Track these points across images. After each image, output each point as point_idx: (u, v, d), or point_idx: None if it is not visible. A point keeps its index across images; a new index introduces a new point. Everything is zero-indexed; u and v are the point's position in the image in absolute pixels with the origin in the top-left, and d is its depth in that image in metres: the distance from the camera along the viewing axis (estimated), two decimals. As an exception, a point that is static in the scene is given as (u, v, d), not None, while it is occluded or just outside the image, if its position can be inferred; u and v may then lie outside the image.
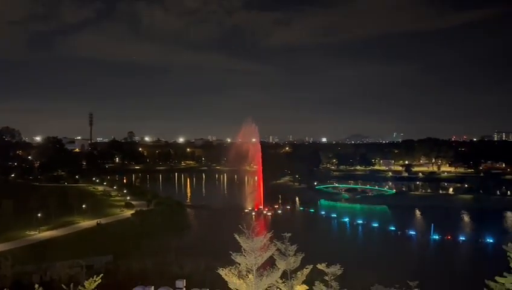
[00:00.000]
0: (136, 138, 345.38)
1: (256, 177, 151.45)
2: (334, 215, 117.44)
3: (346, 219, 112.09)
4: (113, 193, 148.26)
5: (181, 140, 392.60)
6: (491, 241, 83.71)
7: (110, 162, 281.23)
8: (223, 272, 20.99)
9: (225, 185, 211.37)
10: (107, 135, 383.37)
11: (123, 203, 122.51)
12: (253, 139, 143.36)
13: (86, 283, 21.69)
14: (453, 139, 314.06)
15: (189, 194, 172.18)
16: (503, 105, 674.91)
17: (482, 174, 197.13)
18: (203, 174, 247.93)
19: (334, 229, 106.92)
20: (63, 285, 24.10)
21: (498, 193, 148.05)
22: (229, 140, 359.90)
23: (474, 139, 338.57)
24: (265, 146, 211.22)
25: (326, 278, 25.81)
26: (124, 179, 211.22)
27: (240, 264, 20.91)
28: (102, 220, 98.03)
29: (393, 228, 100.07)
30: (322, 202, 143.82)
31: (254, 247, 20.09)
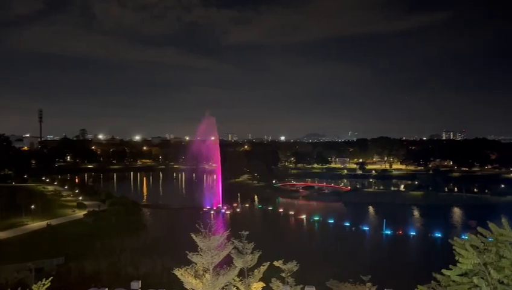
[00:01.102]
0: (89, 136, 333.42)
1: (215, 176, 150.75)
2: (291, 212, 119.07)
3: (303, 216, 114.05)
4: (64, 193, 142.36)
5: (137, 138, 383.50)
6: (439, 235, 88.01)
7: (61, 161, 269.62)
8: (178, 272, 20.68)
9: (183, 184, 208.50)
10: (58, 132, 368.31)
11: (75, 203, 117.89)
12: (212, 138, 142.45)
13: (34, 287, 20.59)
14: (404, 138, 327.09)
15: (145, 194, 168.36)
16: (452, 106, 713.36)
17: (431, 172, 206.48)
18: (160, 173, 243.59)
19: (292, 226, 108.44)
20: (9, 289, 22.79)
21: (446, 189, 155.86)
22: (187, 138, 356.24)
23: (424, 138, 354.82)
24: (224, 144, 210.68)
25: (283, 274, 26.13)
26: (76, 178, 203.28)
27: (196, 263, 20.70)
28: (53, 221, 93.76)
29: (348, 224, 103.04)
30: (280, 199, 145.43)
31: (211, 246, 19.95)
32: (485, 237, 13.54)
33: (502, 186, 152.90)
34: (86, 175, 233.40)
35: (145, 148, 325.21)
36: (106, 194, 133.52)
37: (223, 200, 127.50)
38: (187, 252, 20.47)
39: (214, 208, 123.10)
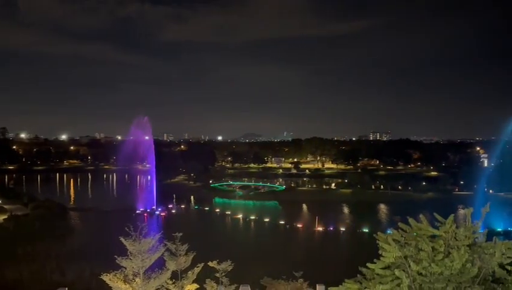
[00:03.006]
0: (10, 135, 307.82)
1: (149, 177, 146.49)
2: (228, 212, 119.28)
3: (240, 216, 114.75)
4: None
5: (63, 137, 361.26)
6: (367, 231, 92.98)
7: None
8: (107, 278, 19.79)
9: (114, 186, 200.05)
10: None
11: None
12: (146, 137, 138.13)
13: None
14: (335, 138, 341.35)
15: (73, 196, 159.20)
16: (379, 109, 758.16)
17: (359, 171, 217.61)
18: (89, 175, 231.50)
19: (228, 226, 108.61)
20: None
21: (373, 187, 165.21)
22: (119, 137, 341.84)
23: (353, 139, 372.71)
24: (159, 144, 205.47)
25: (218, 275, 25.98)
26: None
27: (126, 268, 19.94)
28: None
29: (282, 222, 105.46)
30: (217, 199, 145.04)
31: (141, 249, 19.33)
32: (406, 232, 14.52)
33: (423, 183, 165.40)
34: (6, 177, 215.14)
35: (72, 148, 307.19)
36: (29, 197, 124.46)
37: (158, 202, 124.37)
38: (115, 256, 19.64)
39: (148, 210, 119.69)
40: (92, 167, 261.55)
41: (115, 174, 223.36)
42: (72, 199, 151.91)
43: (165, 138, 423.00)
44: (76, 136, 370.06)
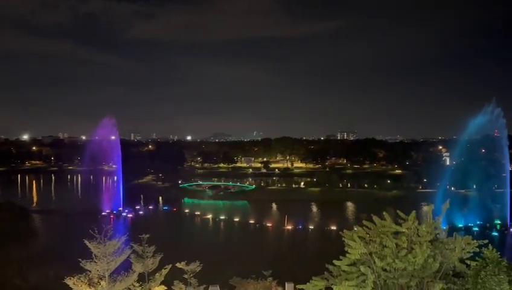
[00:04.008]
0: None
1: (115, 177, 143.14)
2: (197, 212, 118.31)
3: (209, 216, 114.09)
4: None
5: (25, 137, 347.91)
6: (334, 228, 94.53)
7: None
8: (70, 282, 19.26)
9: (79, 187, 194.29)
10: None
11: None
12: (112, 137, 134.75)
13: None
14: (304, 138, 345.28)
15: (35, 198, 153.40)
16: (347, 109, 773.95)
17: (327, 169, 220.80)
18: (53, 176, 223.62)
19: (197, 227, 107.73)
20: None
21: (340, 185, 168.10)
22: (84, 137, 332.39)
23: (322, 138, 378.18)
24: (126, 144, 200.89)
25: (186, 276, 25.76)
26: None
27: (90, 271, 19.45)
28: None
29: (252, 221, 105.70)
30: (186, 200, 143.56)
31: (106, 252, 18.91)
32: (370, 229, 14.87)
33: (388, 181, 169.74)
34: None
35: (34, 148, 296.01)
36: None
37: (124, 203, 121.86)
38: (79, 259, 19.12)
39: (114, 212, 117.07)
40: (55, 168, 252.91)
41: (79, 175, 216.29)
42: (34, 200, 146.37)
43: (132, 138, 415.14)
44: (38, 136, 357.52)
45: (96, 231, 19.88)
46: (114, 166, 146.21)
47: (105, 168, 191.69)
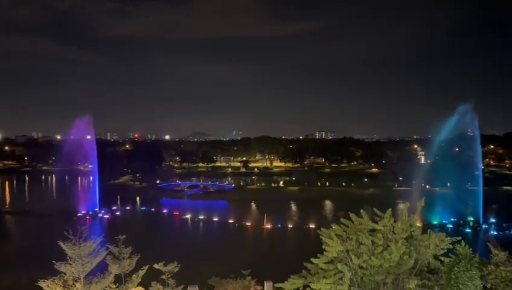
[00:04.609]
0: None
1: (91, 178, 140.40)
2: (176, 212, 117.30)
3: (188, 216, 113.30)
4: None
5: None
6: (313, 227, 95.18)
7: None
8: (44, 284, 18.80)
9: (54, 188, 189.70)
10: None
11: None
12: (88, 136, 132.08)
13: None
14: (283, 137, 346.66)
15: (8, 199, 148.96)
16: (325, 108, 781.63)
17: (306, 168, 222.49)
18: (26, 176, 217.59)
19: (176, 227, 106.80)
20: None
21: (319, 184, 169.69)
22: (58, 137, 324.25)
23: (300, 137, 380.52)
24: (102, 144, 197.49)
25: (164, 277, 25.51)
26: None
27: (65, 273, 19.02)
28: None
29: (231, 221, 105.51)
30: (164, 200, 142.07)
31: (81, 254, 18.53)
32: (347, 227, 15.06)
33: (365, 180, 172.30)
34: None
35: (7, 148, 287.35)
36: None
37: (101, 204, 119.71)
38: (53, 261, 18.67)
39: (90, 213, 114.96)
40: (29, 168, 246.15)
41: (54, 175, 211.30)
42: (7, 201, 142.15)
43: (108, 137, 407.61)
44: (11, 136, 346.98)
45: (71, 232, 19.47)
46: (90, 166, 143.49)
47: (80, 168, 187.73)
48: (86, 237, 20.06)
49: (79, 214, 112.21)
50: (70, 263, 18.52)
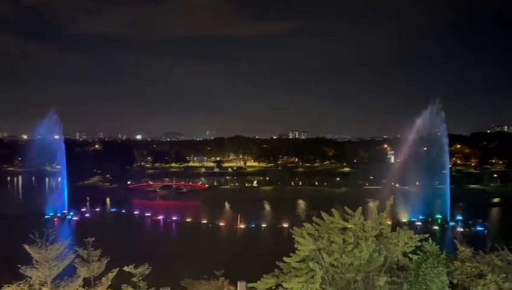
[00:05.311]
0: None
1: (59, 179, 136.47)
2: (148, 214, 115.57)
3: (160, 217, 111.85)
4: None
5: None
6: (286, 226, 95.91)
7: None
8: (9, 289, 18.09)
9: (20, 189, 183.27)
10: None
11: None
12: (56, 136, 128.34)
13: None
14: (257, 137, 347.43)
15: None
16: (298, 108, 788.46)
17: (280, 168, 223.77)
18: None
19: (147, 229, 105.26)
20: None
21: (292, 183, 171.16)
22: (25, 137, 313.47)
23: (274, 137, 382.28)
24: (70, 144, 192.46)
25: (135, 279, 25.01)
26: None
27: (31, 277, 18.41)
28: None
29: (205, 221, 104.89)
30: (136, 201, 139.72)
31: (48, 257, 17.96)
32: (319, 225, 15.22)
33: (338, 179, 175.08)
34: None
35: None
36: None
37: (69, 205, 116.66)
38: (19, 265, 18.03)
39: (58, 215, 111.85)
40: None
41: (20, 176, 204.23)
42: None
43: (77, 137, 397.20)
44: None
45: (37, 235, 18.86)
46: (58, 167, 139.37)
47: (48, 169, 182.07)
48: (53, 239, 19.47)
49: (46, 217, 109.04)
50: (36, 267, 17.89)
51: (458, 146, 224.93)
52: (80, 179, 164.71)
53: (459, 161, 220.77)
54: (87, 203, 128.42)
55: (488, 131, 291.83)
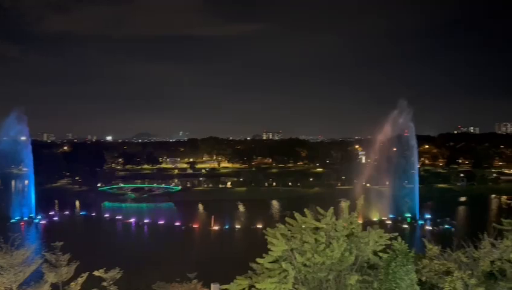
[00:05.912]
0: None
1: (26, 181, 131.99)
2: (119, 217, 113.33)
3: (132, 220, 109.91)
4: None
5: None
6: (260, 227, 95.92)
7: None
8: (-30, 298, 17.35)
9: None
10: None
11: None
12: (22, 137, 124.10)
13: None
14: (230, 138, 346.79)
15: None
16: (271, 109, 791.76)
17: (253, 169, 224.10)
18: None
19: (118, 232, 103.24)
20: None
21: (266, 184, 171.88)
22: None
23: (248, 138, 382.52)
24: (37, 145, 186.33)
25: (105, 283, 24.52)
26: None
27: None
28: None
29: (178, 223, 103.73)
30: (106, 204, 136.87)
31: (14, 262, 17.37)
32: (292, 226, 15.37)
33: (311, 179, 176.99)
34: None
35: None
36: None
37: (37, 209, 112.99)
38: (-19, 273, 17.30)
39: (25, 219, 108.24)
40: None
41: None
42: None
43: (45, 138, 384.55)
44: None
45: (2, 240, 18.20)
46: (24, 169, 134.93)
47: (14, 171, 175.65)
48: (19, 244, 18.85)
49: (13, 221, 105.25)
50: (1, 273, 17.27)
51: (426, 146, 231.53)
52: (48, 181, 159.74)
53: (427, 161, 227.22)
54: (56, 207, 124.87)
55: (455, 132, 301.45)
